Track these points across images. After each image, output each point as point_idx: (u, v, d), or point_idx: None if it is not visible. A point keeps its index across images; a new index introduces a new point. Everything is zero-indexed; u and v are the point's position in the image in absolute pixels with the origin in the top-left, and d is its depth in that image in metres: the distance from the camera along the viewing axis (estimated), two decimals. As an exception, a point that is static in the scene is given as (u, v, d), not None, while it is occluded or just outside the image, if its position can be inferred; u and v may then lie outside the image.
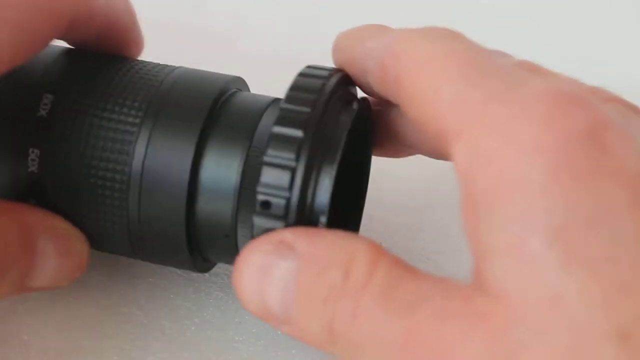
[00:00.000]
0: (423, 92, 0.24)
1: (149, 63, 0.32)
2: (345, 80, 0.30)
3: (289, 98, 0.27)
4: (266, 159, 0.27)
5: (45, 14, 0.28)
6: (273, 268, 0.25)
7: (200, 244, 0.31)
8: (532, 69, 0.28)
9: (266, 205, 0.26)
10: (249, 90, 0.34)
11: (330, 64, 0.30)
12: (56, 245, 0.30)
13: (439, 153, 0.28)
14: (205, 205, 0.30)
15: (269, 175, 0.26)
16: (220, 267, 0.35)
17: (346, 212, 0.34)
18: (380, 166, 0.35)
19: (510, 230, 0.21)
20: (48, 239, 0.30)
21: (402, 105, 0.26)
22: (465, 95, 0.23)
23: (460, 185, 0.23)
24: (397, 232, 0.37)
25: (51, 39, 0.30)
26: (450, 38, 0.26)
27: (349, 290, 0.23)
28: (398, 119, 0.32)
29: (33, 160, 0.30)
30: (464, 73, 0.24)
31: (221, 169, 0.29)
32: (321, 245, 0.25)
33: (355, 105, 0.30)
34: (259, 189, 0.26)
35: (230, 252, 0.31)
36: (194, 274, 0.35)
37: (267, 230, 0.26)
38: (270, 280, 0.25)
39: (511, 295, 0.21)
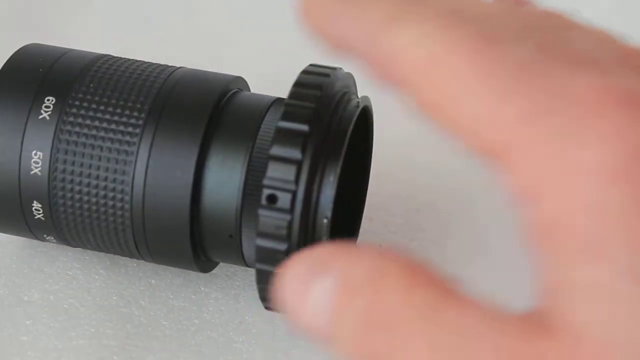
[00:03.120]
0: (443, 104, 0.21)
1: (151, 64, 0.32)
2: (347, 78, 0.30)
3: (294, 94, 0.28)
4: (272, 152, 0.27)
5: None
6: (310, 289, 0.22)
7: (204, 244, 0.31)
8: (565, 27, 0.23)
9: (272, 199, 0.26)
10: (249, 89, 0.34)
11: (330, 64, 0.30)
12: None
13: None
14: (209, 205, 0.30)
15: (275, 169, 0.26)
16: (220, 268, 0.35)
17: (347, 215, 0.34)
18: (380, 167, 0.35)
19: (591, 268, 0.19)
20: None
21: (418, 107, 0.22)
22: (501, 110, 0.20)
23: (523, 208, 0.20)
24: (397, 232, 0.37)
25: None
26: (445, 19, 0.21)
27: (380, 322, 0.20)
28: None
29: (36, 162, 0.30)
30: (487, 79, 0.20)
31: (225, 170, 0.29)
32: (352, 265, 0.21)
33: (357, 102, 0.30)
34: (265, 182, 0.26)
35: (234, 252, 0.31)
36: (194, 275, 0.34)
37: (273, 225, 0.26)
38: (307, 302, 0.22)
39: (590, 340, 0.19)
